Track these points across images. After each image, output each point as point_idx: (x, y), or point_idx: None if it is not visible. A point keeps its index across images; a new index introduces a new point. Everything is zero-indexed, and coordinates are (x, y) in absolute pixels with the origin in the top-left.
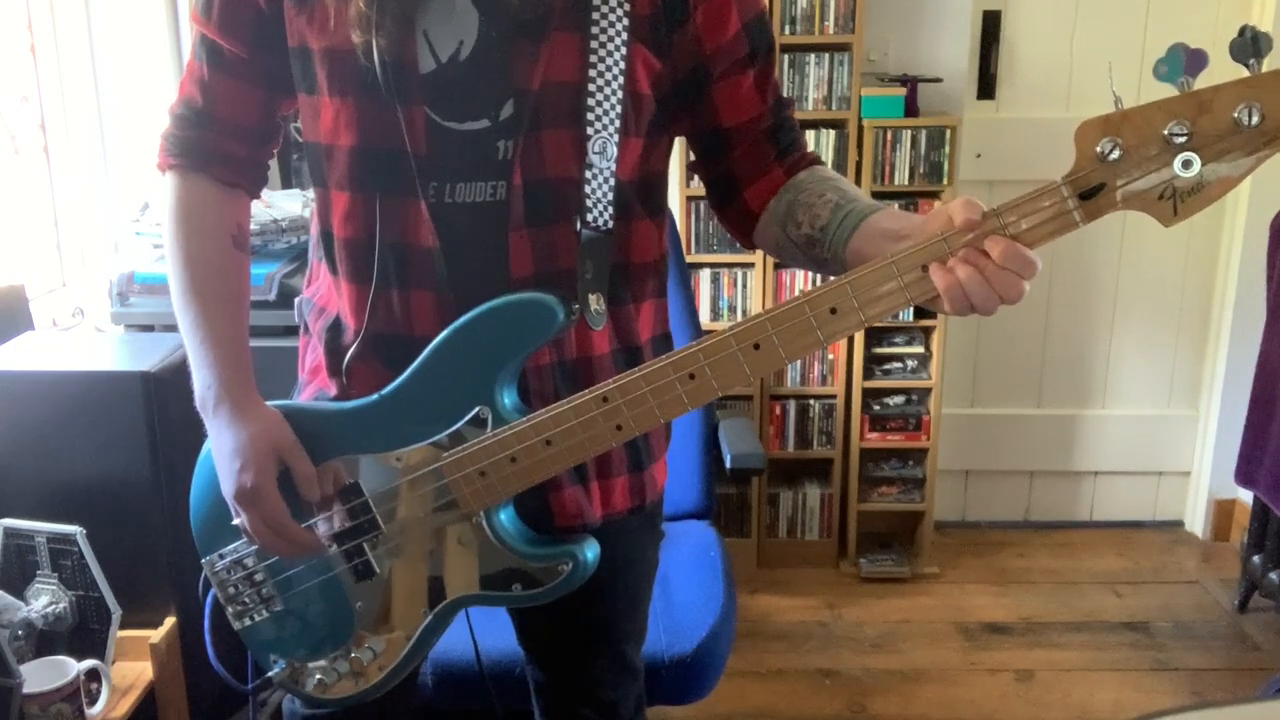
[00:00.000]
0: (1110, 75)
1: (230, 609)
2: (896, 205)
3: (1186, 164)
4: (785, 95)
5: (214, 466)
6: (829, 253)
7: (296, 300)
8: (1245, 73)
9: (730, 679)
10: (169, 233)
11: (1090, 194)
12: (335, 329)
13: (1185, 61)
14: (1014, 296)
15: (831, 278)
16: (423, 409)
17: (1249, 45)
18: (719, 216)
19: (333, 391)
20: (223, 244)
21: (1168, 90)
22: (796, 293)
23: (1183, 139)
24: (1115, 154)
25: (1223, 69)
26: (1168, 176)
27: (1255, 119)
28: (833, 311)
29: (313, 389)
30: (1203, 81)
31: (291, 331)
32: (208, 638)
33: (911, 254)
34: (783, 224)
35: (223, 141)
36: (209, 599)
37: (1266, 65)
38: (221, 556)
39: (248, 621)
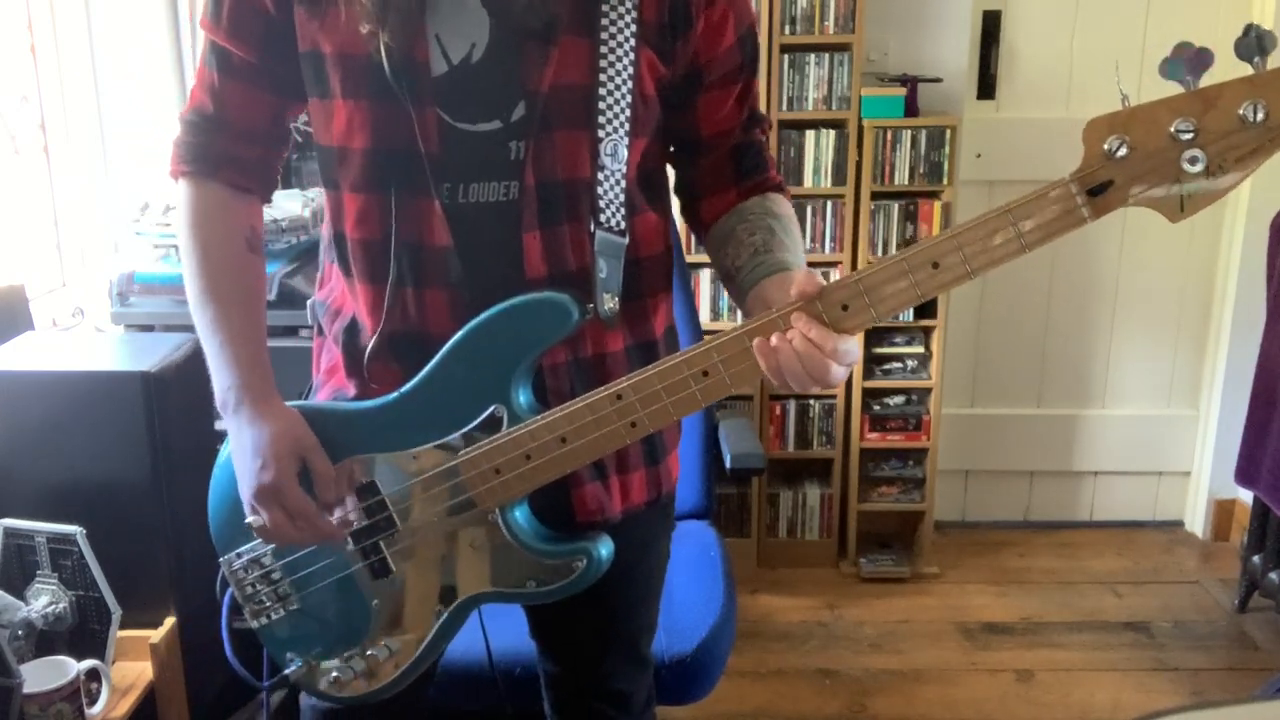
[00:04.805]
0: (1118, 74)
1: (248, 608)
2: (896, 205)
3: (1193, 160)
4: (761, 113)
5: (233, 467)
6: (737, 294)
7: (309, 303)
8: (1250, 71)
9: (730, 679)
10: (184, 238)
11: (1098, 190)
12: (352, 330)
13: (1190, 60)
14: (823, 377)
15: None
16: (438, 408)
17: (1254, 44)
18: (681, 210)
19: (351, 391)
20: (237, 247)
21: (1173, 89)
22: None
23: (1189, 136)
24: (1123, 151)
25: (1226, 69)
26: (1175, 173)
27: (1260, 115)
28: (843, 308)
29: (329, 389)
30: (1206, 81)
31: (292, 331)
32: (225, 635)
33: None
34: (719, 248)
35: (234, 146)
36: (226, 597)
37: (1271, 63)
38: (239, 555)
39: (265, 620)
